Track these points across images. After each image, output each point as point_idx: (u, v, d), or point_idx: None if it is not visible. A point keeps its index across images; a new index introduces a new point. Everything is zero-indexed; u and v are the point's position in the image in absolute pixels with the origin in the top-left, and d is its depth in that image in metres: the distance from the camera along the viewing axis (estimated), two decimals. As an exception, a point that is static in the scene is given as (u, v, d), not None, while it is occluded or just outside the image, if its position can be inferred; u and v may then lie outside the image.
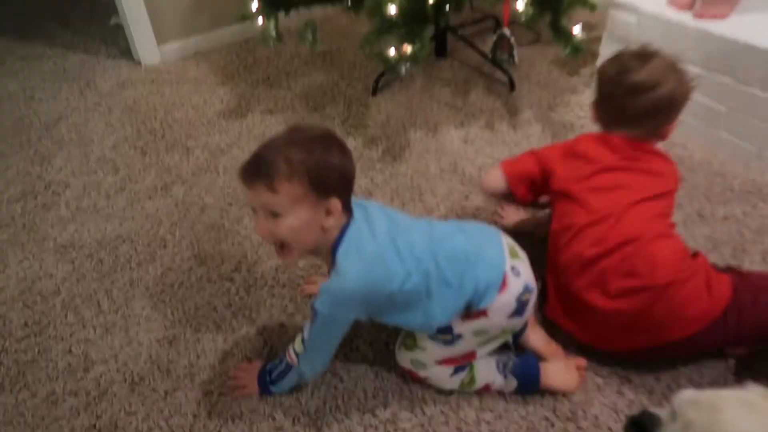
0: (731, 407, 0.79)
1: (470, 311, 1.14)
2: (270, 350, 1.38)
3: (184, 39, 2.65)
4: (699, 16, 1.87)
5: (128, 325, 1.46)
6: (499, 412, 1.22)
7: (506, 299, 1.14)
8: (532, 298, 1.19)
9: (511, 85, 2.23)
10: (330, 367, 1.32)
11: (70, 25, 3.00)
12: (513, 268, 1.16)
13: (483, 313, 1.14)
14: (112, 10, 2.67)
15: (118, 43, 2.77)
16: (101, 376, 1.34)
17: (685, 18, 1.84)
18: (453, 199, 1.78)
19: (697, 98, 1.88)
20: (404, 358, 1.24)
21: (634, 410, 1.21)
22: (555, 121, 2.07)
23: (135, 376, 1.34)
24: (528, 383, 1.24)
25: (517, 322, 1.20)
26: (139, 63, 2.61)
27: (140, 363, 1.36)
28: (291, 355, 1.19)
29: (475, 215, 1.71)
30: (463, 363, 1.22)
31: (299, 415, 1.24)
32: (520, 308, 1.16)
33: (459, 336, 1.17)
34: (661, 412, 0.88)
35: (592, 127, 1.99)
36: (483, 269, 1.13)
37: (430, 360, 1.21)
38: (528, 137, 2.00)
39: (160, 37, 2.59)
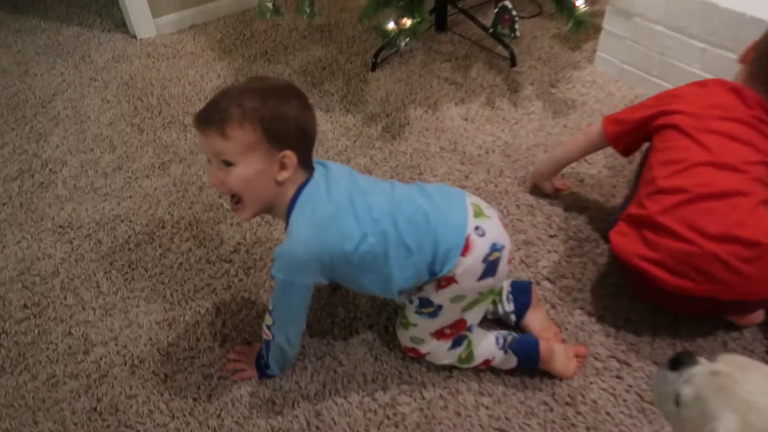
0: (754, 375, 0.79)
1: (439, 279, 1.13)
2: (269, 333, 1.38)
3: (180, 11, 2.59)
4: None
5: (128, 307, 1.46)
6: (497, 396, 1.23)
7: (472, 262, 1.11)
8: (504, 256, 1.15)
9: (513, 61, 2.18)
10: (329, 350, 1.33)
11: (63, -4, 2.94)
12: (477, 228, 1.12)
13: (452, 279, 1.12)
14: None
15: (113, 16, 2.72)
16: (101, 359, 1.35)
17: (692, -9, 1.80)
18: (453, 178, 1.76)
19: (702, 74, 1.85)
20: (404, 337, 1.25)
21: (633, 395, 1.22)
22: (557, 98, 2.04)
23: (135, 359, 1.34)
24: (527, 359, 1.23)
25: (491, 282, 1.16)
26: (134, 36, 2.56)
27: (140, 345, 1.37)
28: (265, 331, 1.19)
29: (475, 195, 1.69)
30: (458, 334, 1.21)
31: (299, 399, 1.25)
32: (490, 269, 1.13)
33: (439, 306, 1.16)
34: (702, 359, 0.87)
35: (594, 105, 1.97)
36: (443, 232, 1.11)
37: (425, 334, 1.21)
38: (529, 115, 1.97)
39: (156, 10, 2.53)
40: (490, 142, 1.87)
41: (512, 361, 1.24)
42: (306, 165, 1.09)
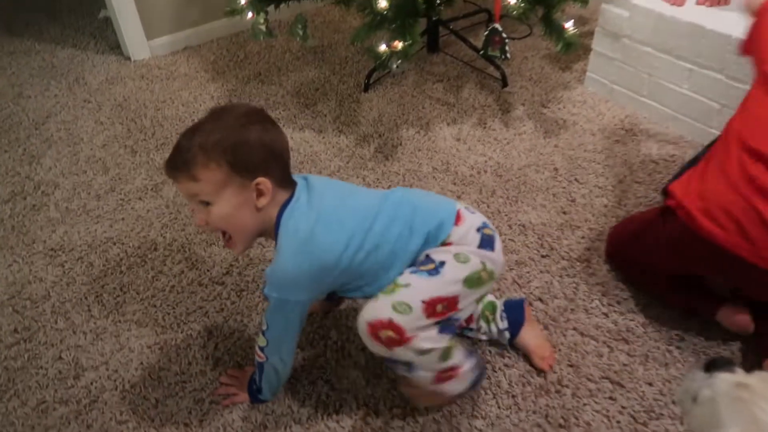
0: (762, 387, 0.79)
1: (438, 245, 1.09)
2: (261, 356, 1.37)
3: (174, 33, 2.61)
4: (701, 2, 1.85)
5: (119, 331, 1.45)
6: (491, 419, 1.22)
7: (465, 230, 1.09)
8: (497, 238, 1.12)
9: (504, 81, 2.21)
10: (321, 373, 1.32)
11: (58, 19, 2.96)
12: (467, 208, 1.13)
13: (450, 244, 1.09)
14: (101, 2, 2.63)
15: (107, 37, 2.74)
16: (92, 384, 1.34)
17: (677, 12, 1.83)
18: (445, 198, 1.77)
19: (690, 94, 1.88)
20: (384, 306, 1.01)
21: (626, 416, 1.22)
22: (548, 117, 2.06)
23: (126, 384, 1.33)
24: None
25: (491, 256, 1.09)
26: (128, 58, 2.58)
27: (131, 370, 1.36)
28: (258, 353, 1.17)
29: (468, 215, 1.70)
30: (448, 315, 1.06)
31: (291, 423, 1.24)
32: (486, 240, 1.10)
33: (442, 263, 1.05)
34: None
35: (585, 125, 1.99)
36: (433, 210, 1.10)
37: (416, 299, 1.02)
38: (520, 135, 1.99)
39: (150, 32, 2.56)
40: (482, 163, 1.88)
41: (475, 373, 1.16)
42: (285, 183, 1.07)
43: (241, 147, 0.99)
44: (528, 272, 1.53)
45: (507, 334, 1.32)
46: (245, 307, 1.49)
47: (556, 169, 1.84)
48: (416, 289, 1.03)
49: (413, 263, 1.09)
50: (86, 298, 1.54)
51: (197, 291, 1.54)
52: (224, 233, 1.08)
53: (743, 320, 1.31)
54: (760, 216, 1.14)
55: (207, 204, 1.02)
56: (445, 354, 1.07)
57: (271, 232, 1.08)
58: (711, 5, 1.85)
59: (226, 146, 0.98)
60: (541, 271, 1.53)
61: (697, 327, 1.37)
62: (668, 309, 1.41)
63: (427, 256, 1.08)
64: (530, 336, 1.33)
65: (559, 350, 1.35)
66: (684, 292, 1.40)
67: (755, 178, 1.15)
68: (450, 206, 1.12)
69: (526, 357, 1.32)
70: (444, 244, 1.08)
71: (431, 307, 1.03)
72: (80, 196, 1.86)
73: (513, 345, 1.34)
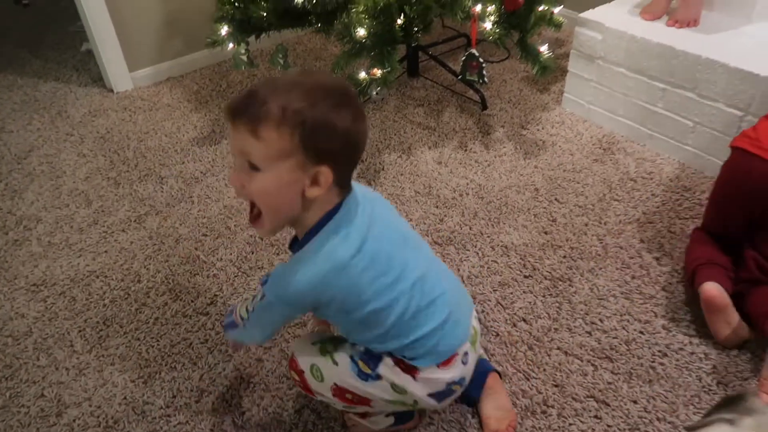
0: None
1: (403, 363, 1.04)
2: (247, 386, 1.37)
3: (156, 64, 2.63)
4: (670, 25, 1.91)
5: (102, 366, 1.44)
6: (476, 442, 1.22)
7: (439, 377, 1.05)
8: (458, 392, 1.12)
9: (483, 104, 2.24)
10: (307, 401, 1.32)
11: (40, 53, 2.97)
12: (465, 354, 1.08)
13: (414, 371, 1.04)
14: (83, 36, 2.65)
15: (90, 70, 2.75)
16: (74, 421, 1.32)
17: (649, 34, 1.87)
18: (428, 222, 1.78)
19: (664, 113, 1.92)
20: (307, 357, 1.08)
21: (611, 434, 1.22)
22: (527, 139, 2.09)
23: (109, 420, 1.32)
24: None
25: (432, 404, 1.09)
26: (111, 90, 2.59)
27: (114, 405, 1.35)
28: (237, 316, 1.11)
29: (450, 238, 1.71)
30: (356, 406, 1.10)
31: (277, 454, 1.23)
32: (444, 394, 1.08)
33: (378, 377, 1.04)
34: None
35: (564, 145, 2.02)
36: (445, 331, 1.04)
37: (331, 378, 1.06)
38: (500, 156, 2.02)
39: (132, 63, 2.57)
40: (464, 185, 1.90)
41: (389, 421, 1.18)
42: (344, 183, 0.94)
43: (323, 126, 0.86)
44: (511, 293, 1.54)
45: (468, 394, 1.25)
46: (230, 337, 1.48)
47: (536, 190, 1.87)
48: (339, 372, 1.05)
49: (377, 341, 1.02)
50: (69, 333, 1.53)
51: (181, 322, 1.53)
52: (254, 206, 0.94)
53: (711, 291, 1.34)
54: None
55: (254, 168, 0.88)
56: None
57: (303, 230, 0.96)
58: (681, 27, 1.90)
59: (308, 118, 0.84)
60: (524, 292, 1.54)
61: (679, 343, 1.39)
62: (651, 325, 1.43)
63: (379, 357, 1.03)
64: (489, 408, 1.25)
65: (544, 370, 1.35)
66: (713, 247, 1.45)
67: None
68: (457, 340, 1.06)
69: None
70: (411, 367, 1.03)
71: (340, 392, 1.07)
72: (63, 230, 1.86)
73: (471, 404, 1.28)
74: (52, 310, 1.59)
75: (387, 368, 1.04)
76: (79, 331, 1.53)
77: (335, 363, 1.06)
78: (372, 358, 1.05)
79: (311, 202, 0.92)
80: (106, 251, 1.77)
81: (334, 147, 0.87)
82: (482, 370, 1.26)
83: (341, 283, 0.93)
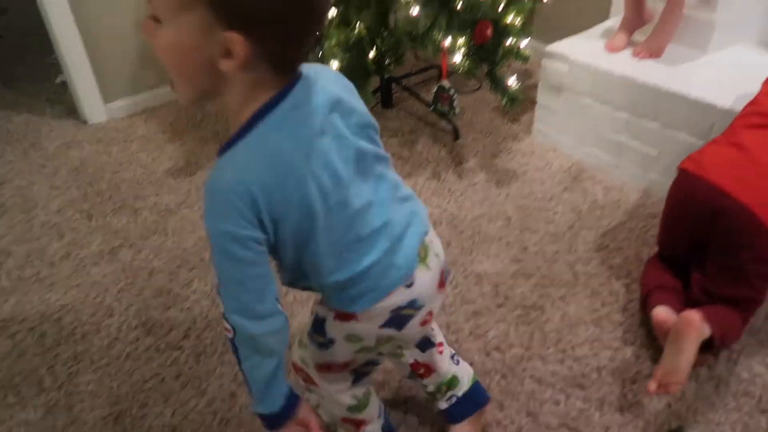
0: None
1: (342, 314, 0.95)
2: (220, 422, 1.35)
3: (132, 96, 2.64)
4: (636, 55, 1.98)
5: (72, 403, 1.41)
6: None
7: (379, 311, 0.92)
8: (418, 315, 0.96)
9: (456, 134, 2.29)
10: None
11: (14, 84, 2.96)
12: (410, 279, 0.94)
13: (352, 316, 0.93)
14: (59, 68, 2.65)
15: (64, 102, 2.74)
16: (43, 462, 1.30)
17: (613, 66, 1.94)
18: (402, 251, 1.80)
19: (629, 143, 1.97)
20: (296, 354, 1.13)
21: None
22: (499, 168, 2.13)
23: (78, 459, 1.29)
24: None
25: (392, 334, 0.96)
26: (85, 122, 2.58)
27: (84, 444, 1.32)
28: (225, 327, 0.86)
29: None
30: (349, 367, 1.07)
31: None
32: (396, 320, 0.94)
33: (332, 341, 0.99)
34: None
35: (534, 174, 2.06)
36: (383, 267, 0.90)
37: (311, 361, 1.07)
38: (473, 185, 2.05)
39: (107, 95, 2.58)
40: (437, 214, 1.93)
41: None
42: (279, 65, 0.75)
43: None
44: (485, 322, 1.56)
45: (446, 413, 1.24)
46: (204, 371, 1.47)
47: (508, 218, 1.90)
48: (311, 352, 1.07)
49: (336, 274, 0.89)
50: (37, 370, 1.50)
51: (154, 357, 1.52)
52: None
53: (660, 315, 1.38)
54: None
55: (156, 20, 0.73)
56: (354, 408, 1.11)
57: (233, 122, 0.79)
58: (645, 57, 1.97)
59: None
60: (497, 321, 1.56)
61: (649, 369, 1.41)
62: (620, 351, 1.45)
63: (322, 325, 0.98)
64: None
65: (518, 399, 1.37)
66: (664, 272, 1.51)
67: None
68: (401, 270, 0.92)
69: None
70: (348, 314, 0.94)
71: (325, 368, 1.07)
72: (33, 264, 1.84)
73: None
74: (20, 346, 1.57)
75: (333, 327, 0.97)
76: (49, 367, 1.50)
77: (305, 346, 1.08)
78: (318, 328, 0.99)
79: (232, 80, 0.74)
80: (77, 285, 1.75)
81: (250, 8, 0.68)
82: (479, 402, 1.26)
83: (273, 170, 0.76)
